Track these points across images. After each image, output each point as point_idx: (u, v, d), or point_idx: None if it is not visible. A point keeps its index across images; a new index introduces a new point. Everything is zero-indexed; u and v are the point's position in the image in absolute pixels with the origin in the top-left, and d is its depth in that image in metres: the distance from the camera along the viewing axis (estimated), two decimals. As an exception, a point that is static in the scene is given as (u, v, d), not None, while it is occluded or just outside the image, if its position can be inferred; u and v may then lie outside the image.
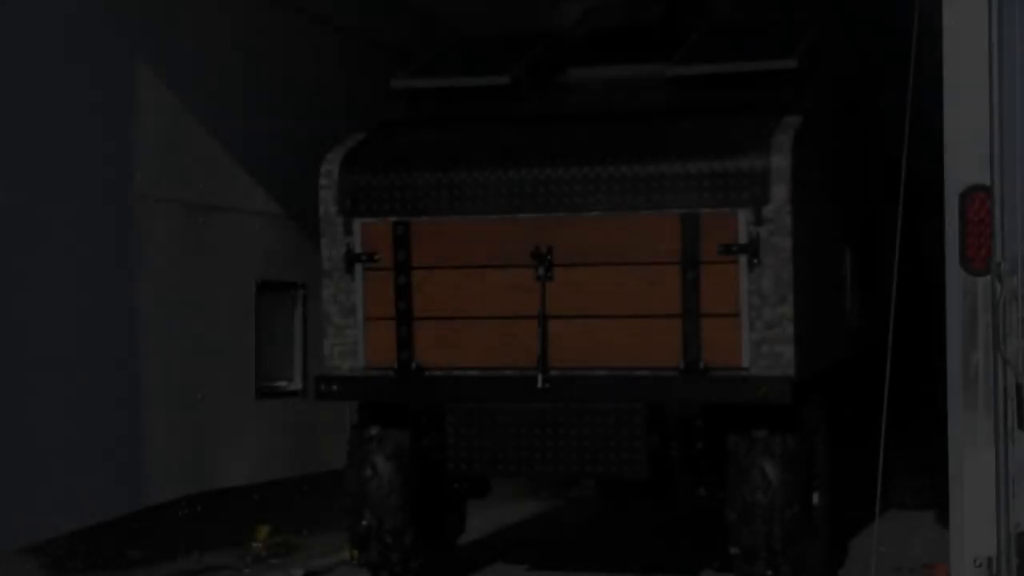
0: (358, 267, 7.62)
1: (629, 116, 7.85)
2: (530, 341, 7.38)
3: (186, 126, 8.51)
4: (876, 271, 9.65)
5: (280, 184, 9.27)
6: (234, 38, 8.94)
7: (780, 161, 7.15)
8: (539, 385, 7.33)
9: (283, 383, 9.42)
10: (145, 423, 8.11)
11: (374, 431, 7.85)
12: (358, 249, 7.62)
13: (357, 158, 7.73)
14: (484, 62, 8.47)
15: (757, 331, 7.16)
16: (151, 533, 8.69)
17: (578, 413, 7.35)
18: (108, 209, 7.96)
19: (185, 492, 8.58)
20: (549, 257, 7.37)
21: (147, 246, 8.21)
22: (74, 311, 7.61)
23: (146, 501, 8.20)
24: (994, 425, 5.24)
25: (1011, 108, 5.28)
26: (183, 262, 8.53)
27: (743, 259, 7.15)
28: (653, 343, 7.27)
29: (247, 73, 9.04)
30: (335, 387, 7.64)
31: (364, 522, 7.80)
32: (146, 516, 8.29)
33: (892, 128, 11.07)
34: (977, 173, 5.25)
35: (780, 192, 7.14)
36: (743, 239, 7.15)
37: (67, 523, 7.70)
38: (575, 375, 7.36)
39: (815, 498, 7.87)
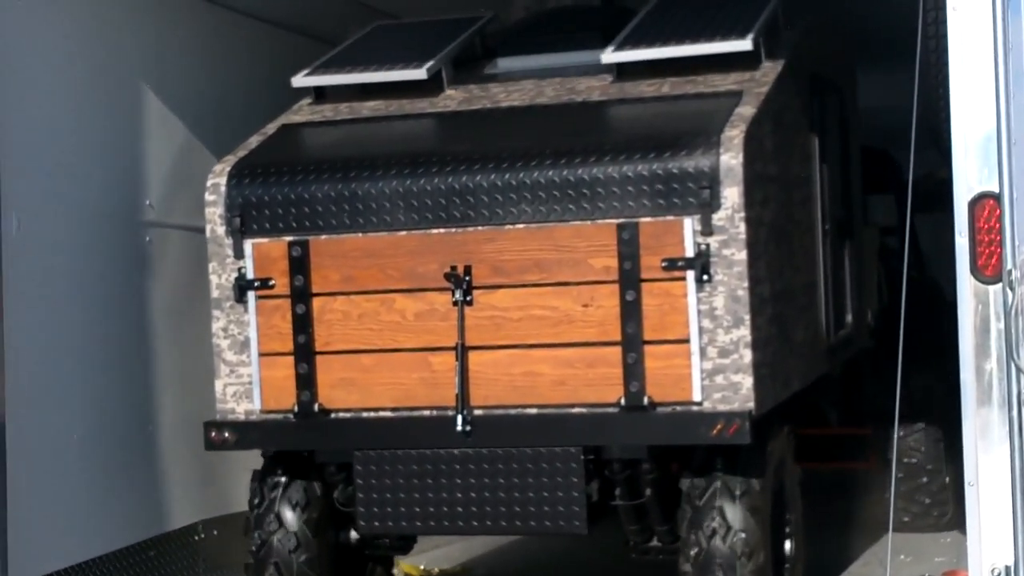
0: (251, 295, 6.60)
1: (560, 112, 6.81)
2: (447, 377, 6.36)
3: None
4: (859, 272, 8.62)
5: None
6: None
7: (730, 159, 6.11)
8: (458, 428, 6.30)
9: None
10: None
11: (279, 479, 6.83)
12: (250, 274, 6.59)
13: (248, 168, 6.70)
14: (401, 53, 7.43)
15: (710, 359, 6.13)
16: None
17: (504, 459, 6.32)
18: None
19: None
20: (467, 279, 6.35)
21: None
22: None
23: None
24: (1009, 433, 5.23)
25: (1019, 115, 5.24)
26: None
27: (691, 275, 6.12)
28: (589, 376, 6.24)
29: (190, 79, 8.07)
30: (227, 434, 6.62)
31: None
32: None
33: (878, 119, 10.19)
34: (986, 180, 5.19)
35: (732, 196, 6.11)
36: (690, 252, 6.12)
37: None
38: (500, 415, 6.34)
39: (787, 546, 6.84)
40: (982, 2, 5.21)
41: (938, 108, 6.22)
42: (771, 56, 6.95)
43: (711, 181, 6.11)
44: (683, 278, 6.13)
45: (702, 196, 6.11)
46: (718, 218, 6.11)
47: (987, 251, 5.22)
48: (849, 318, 8.21)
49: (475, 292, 6.36)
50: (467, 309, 6.36)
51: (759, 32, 6.88)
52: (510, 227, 6.33)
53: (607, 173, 6.23)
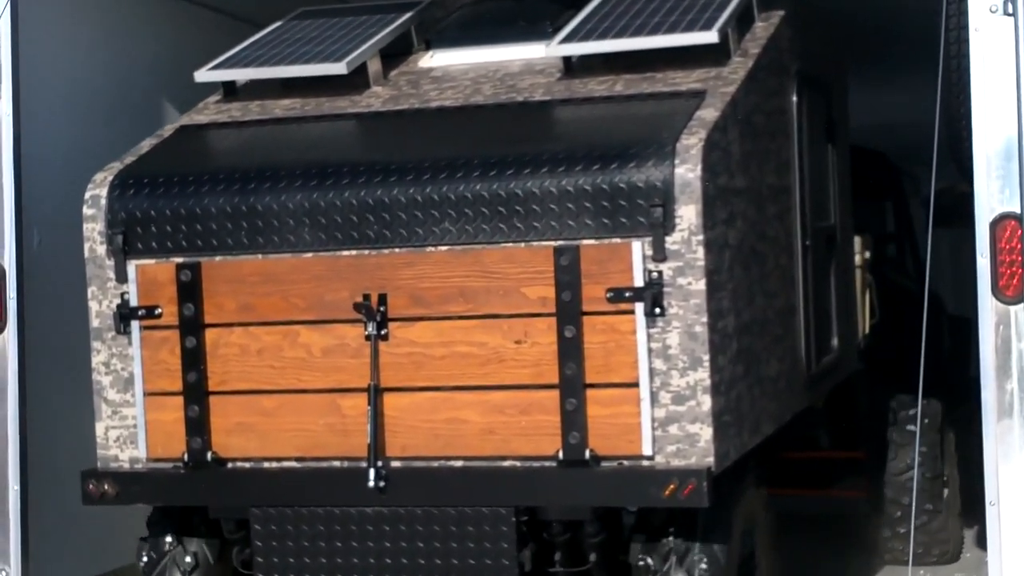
0: (135, 325, 5.69)
1: (495, 114, 5.90)
2: (359, 423, 5.46)
3: None
4: (847, 288, 7.71)
5: None
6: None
7: (687, 172, 5.20)
8: (371, 482, 5.40)
9: None
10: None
11: (169, 537, 5.93)
12: (134, 301, 5.69)
13: (133, 178, 5.79)
14: (322, 44, 6.52)
15: (662, 407, 5.23)
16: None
17: (424, 520, 5.42)
18: None
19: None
20: (381, 309, 5.45)
21: None
22: None
23: None
24: None
25: (1041, 135, 5.19)
26: None
27: (640, 308, 5.21)
28: (523, 424, 5.34)
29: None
30: (107, 487, 5.71)
31: None
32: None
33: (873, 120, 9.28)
34: (1008, 201, 5.24)
35: (688, 215, 5.20)
36: (639, 281, 5.22)
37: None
38: (420, 468, 5.44)
39: None
40: (1004, 23, 5.18)
41: (958, 123, 5.90)
42: (742, 50, 6.04)
43: (664, 198, 5.20)
44: (631, 311, 5.23)
45: (653, 215, 5.21)
46: (672, 241, 5.21)
47: (1008, 272, 5.23)
48: (835, 342, 7.30)
49: (391, 325, 5.46)
50: (381, 345, 5.46)
51: (727, 23, 5.96)
52: (431, 249, 5.44)
53: (543, 187, 5.32)
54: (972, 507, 8.32)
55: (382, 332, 5.45)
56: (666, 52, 5.98)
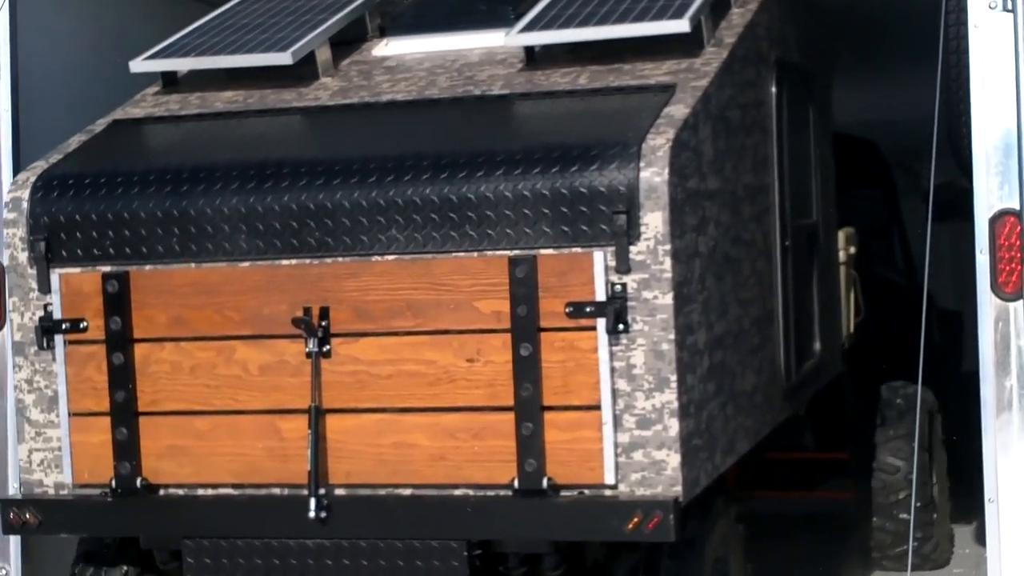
0: (59, 340, 5.26)
1: (449, 108, 5.47)
2: (300, 447, 5.04)
3: None
4: (830, 288, 7.30)
5: None
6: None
7: (653, 176, 4.77)
8: (311, 513, 4.98)
9: None
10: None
11: (99, 570, 5.52)
12: (58, 313, 5.26)
13: (58, 179, 5.35)
14: (270, 31, 6.08)
15: (626, 431, 4.81)
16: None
17: (370, 554, 5.00)
18: None
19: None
20: (323, 324, 5.02)
21: None
22: None
23: None
24: None
25: (1040, 131, 5.20)
26: None
27: (602, 324, 4.79)
28: (475, 450, 4.92)
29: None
30: (28, 515, 5.29)
31: None
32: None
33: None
34: (1007, 198, 5.24)
35: (654, 223, 4.77)
36: (600, 294, 4.79)
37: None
38: (365, 497, 5.02)
39: None
40: (1003, 19, 5.16)
41: (958, 118, 5.84)
42: (716, 39, 5.61)
43: (628, 204, 4.78)
44: (592, 328, 4.80)
45: (616, 223, 4.78)
46: (637, 251, 4.79)
47: (1007, 268, 5.23)
48: (817, 346, 6.89)
49: (333, 341, 5.03)
50: (323, 362, 5.04)
51: (700, 11, 5.52)
52: (377, 259, 5.01)
53: (498, 191, 4.89)
54: (961, 508, 8.28)
55: (324, 349, 5.03)
56: (635, 41, 5.55)
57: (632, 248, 4.78)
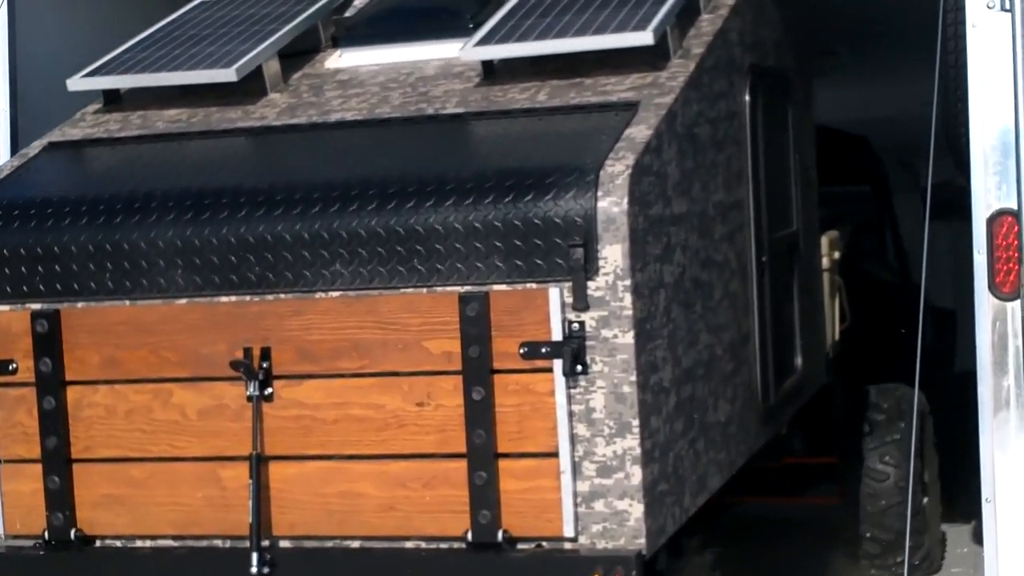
0: (-14, 382, 4.97)
1: (401, 129, 5.15)
2: (241, 496, 4.74)
3: None
4: (813, 298, 6.99)
5: None
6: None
7: (611, 207, 4.46)
8: (253, 568, 4.68)
9: None
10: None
11: None
12: None
13: None
14: (217, 43, 5.76)
15: (586, 479, 4.51)
16: None
17: None
18: None
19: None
20: (264, 365, 4.72)
21: None
22: None
23: None
24: None
25: (1039, 132, 5.21)
26: None
27: (559, 366, 4.48)
28: (426, 500, 4.62)
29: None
30: None
31: None
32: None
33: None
34: (1005, 198, 5.24)
35: (614, 256, 4.46)
36: (557, 334, 4.48)
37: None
38: (311, 550, 4.72)
39: None
40: (1002, 19, 5.14)
41: (956, 117, 5.83)
42: (684, 50, 5.29)
43: (585, 236, 4.47)
44: (549, 369, 4.50)
45: (573, 257, 4.47)
46: (595, 287, 4.48)
47: (1005, 268, 5.23)
48: (798, 360, 6.58)
49: (275, 383, 4.73)
50: (265, 406, 4.74)
51: (665, 20, 5.20)
52: (321, 296, 4.70)
53: (447, 223, 4.58)
54: (955, 509, 8.17)
55: (265, 392, 4.73)
56: (598, 53, 5.23)
57: (590, 284, 4.47)
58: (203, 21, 6.05)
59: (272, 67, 5.64)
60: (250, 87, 5.58)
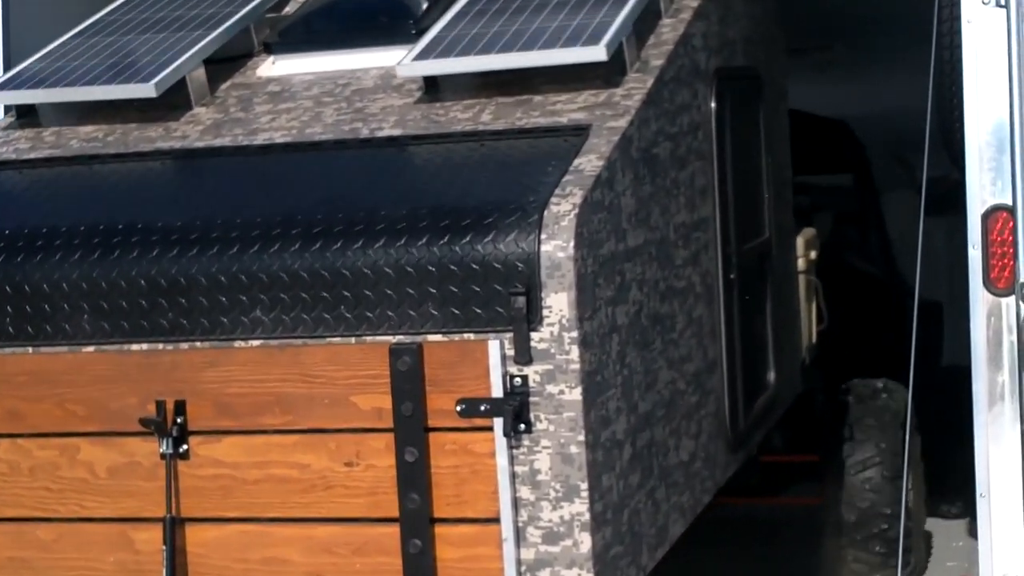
0: None
1: (331, 154, 4.72)
2: (155, 561, 4.34)
3: None
4: (787, 305, 6.60)
5: None
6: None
7: (556, 251, 4.05)
8: None
9: None
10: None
11: None
12: None
13: None
14: (136, 54, 5.32)
15: (531, 546, 4.12)
16: None
17: None
18: None
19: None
20: (179, 420, 4.32)
21: None
22: None
23: None
24: (1021, 445, 5.25)
25: (1034, 127, 5.25)
26: None
27: (499, 425, 4.08)
28: (356, 568, 4.23)
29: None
30: None
31: None
32: None
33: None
34: (1000, 193, 5.24)
35: (559, 304, 4.06)
36: (497, 390, 4.08)
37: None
38: None
39: None
40: (997, 15, 5.14)
41: (951, 112, 5.78)
42: (642, 61, 4.86)
43: (528, 283, 4.06)
44: (489, 428, 4.10)
45: (515, 306, 4.06)
46: (539, 338, 4.07)
47: (999, 263, 5.25)
48: (771, 375, 6.19)
49: (191, 440, 4.33)
50: (180, 465, 4.34)
51: (621, 31, 4.77)
52: (240, 345, 4.29)
53: (377, 266, 4.17)
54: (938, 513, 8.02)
55: (180, 449, 4.32)
56: (539, 71, 4.80)
57: (534, 335, 4.07)
58: (126, 24, 5.61)
59: (197, 78, 5.21)
60: (174, 98, 5.15)
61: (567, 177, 4.23)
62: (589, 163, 4.29)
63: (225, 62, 5.42)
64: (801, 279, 7.05)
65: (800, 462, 7.79)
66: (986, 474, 5.28)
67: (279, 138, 4.84)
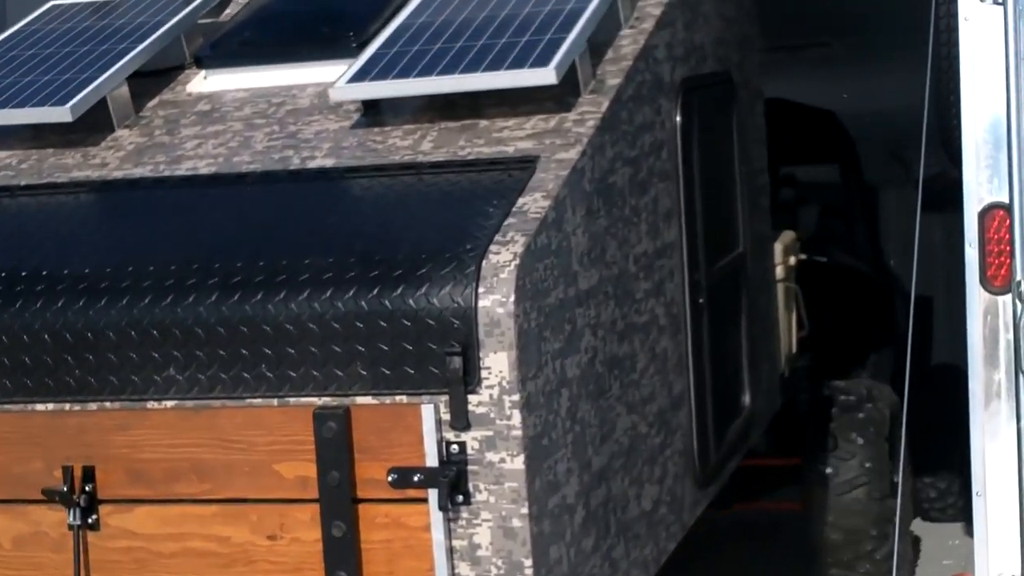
0: None
1: (257, 189, 4.34)
2: None
3: None
4: (760, 323, 6.24)
5: None
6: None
7: (496, 307, 3.68)
8: None
9: None
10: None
11: None
12: None
13: None
14: (54, 71, 4.94)
15: None
16: None
17: None
18: None
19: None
20: (87, 489, 3.95)
21: None
22: None
23: None
24: (1017, 444, 5.17)
25: (1031, 125, 5.23)
26: None
27: (434, 497, 3.72)
28: None
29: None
30: None
31: None
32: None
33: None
34: (996, 191, 5.13)
35: (499, 365, 3.69)
36: (432, 458, 3.72)
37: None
38: None
39: None
40: (994, 12, 5.09)
41: (948, 113, 5.70)
42: (598, 80, 4.48)
43: (464, 341, 3.69)
44: (423, 500, 3.74)
45: (450, 366, 3.69)
46: (478, 402, 3.71)
47: (996, 262, 5.22)
48: (746, 398, 5.84)
49: (101, 510, 3.97)
50: (90, 536, 3.98)
51: (573, 49, 4.38)
52: (153, 406, 3.92)
53: (300, 321, 3.80)
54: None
55: (89, 519, 3.96)
56: (483, 95, 4.42)
57: (471, 398, 3.70)
58: (47, 36, 5.22)
59: (119, 97, 4.83)
60: (95, 117, 4.77)
61: (509, 220, 3.85)
62: (534, 203, 3.92)
63: (154, 75, 5.05)
64: (780, 288, 6.69)
65: (781, 466, 7.51)
66: (982, 472, 5.26)
67: (203, 167, 4.46)
